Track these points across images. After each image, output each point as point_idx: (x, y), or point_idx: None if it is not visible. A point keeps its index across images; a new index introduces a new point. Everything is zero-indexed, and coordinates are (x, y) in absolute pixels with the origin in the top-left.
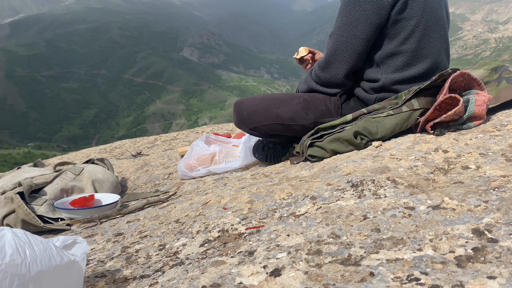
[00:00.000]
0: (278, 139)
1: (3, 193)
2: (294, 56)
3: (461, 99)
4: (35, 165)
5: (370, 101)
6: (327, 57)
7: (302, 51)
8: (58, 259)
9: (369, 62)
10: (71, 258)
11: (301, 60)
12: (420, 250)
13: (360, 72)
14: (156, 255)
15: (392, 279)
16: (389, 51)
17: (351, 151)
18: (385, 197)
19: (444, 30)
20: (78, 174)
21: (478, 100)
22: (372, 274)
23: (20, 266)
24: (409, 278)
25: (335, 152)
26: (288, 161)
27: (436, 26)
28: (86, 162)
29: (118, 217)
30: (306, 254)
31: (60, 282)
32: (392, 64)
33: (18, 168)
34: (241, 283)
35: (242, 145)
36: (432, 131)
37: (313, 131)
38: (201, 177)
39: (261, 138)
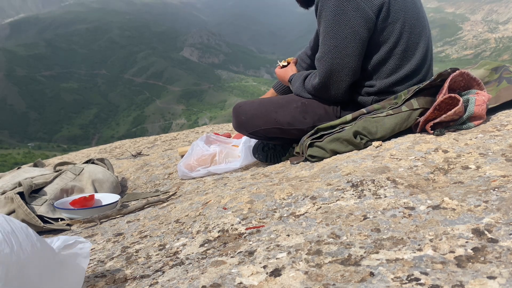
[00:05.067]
0: (278, 141)
1: (3, 193)
2: (281, 63)
3: (461, 99)
4: (35, 165)
5: (367, 103)
6: (323, 81)
7: (284, 63)
8: (38, 244)
9: (362, 71)
10: (52, 246)
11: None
12: (420, 250)
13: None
14: (156, 255)
15: (392, 279)
16: (381, 57)
17: (351, 151)
18: (385, 197)
19: (423, 20)
20: (78, 174)
21: (477, 100)
22: (372, 274)
23: (10, 255)
24: (409, 278)
25: (334, 152)
26: (288, 161)
27: (417, 21)
28: (86, 162)
29: (118, 217)
30: (306, 254)
31: (60, 281)
32: (384, 69)
33: (18, 168)
34: (241, 283)
35: (242, 145)
36: (432, 131)
37: (312, 131)
38: (201, 177)
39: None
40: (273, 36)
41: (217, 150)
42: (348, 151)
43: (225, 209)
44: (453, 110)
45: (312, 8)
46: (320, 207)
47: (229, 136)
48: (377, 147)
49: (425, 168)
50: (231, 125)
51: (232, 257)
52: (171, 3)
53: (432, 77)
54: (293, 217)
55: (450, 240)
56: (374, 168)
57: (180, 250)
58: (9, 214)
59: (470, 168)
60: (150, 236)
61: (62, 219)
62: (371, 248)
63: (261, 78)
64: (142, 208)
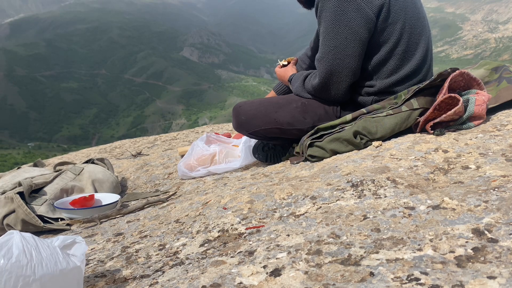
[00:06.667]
0: (278, 141)
1: (3, 193)
2: (281, 62)
3: (461, 99)
4: (35, 165)
5: (367, 103)
6: (323, 81)
7: (284, 62)
8: (64, 263)
9: (362, 71)
10: (77, 264)
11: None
12: (420, 250)
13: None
14: (156, 255)
15: (392, 279)
16: (381, 58)
17: (350, 151)
18: (385, 197)
19: (423, 20)
20: (78, 174)
21: (477, 99)
22: (372, 274)
23: (25, 267)
24: (409, 278)
25: (334, 152)
26: (288, 161)
27: (417, 21)
28: (86, 162)
29: (118, 217)
30: (306, 254)
31: (63, 284)
32: (385, 69)
33: (18, 168)
34: (241, 283)
35: (242, 145)
36: (432, 131)
37: (312, 131)
38: (201, 177)
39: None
40: (273, 36)
41: (217, 150)
42: (348, 151)
43: (225, 209)
44: (453, 110)
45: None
46: (320, 207)
47: (229, 136)
48: (377, 147)
49: (425, 168)
50: (231, 125)
51: (232, 257)
52: (171, 3)
53: (432, 77)
54: (293, 217)
55: (450, 240)
56: (374, 168)
57: (180, 250)
58: (9, 214)
59: (470, 168)
60: (150, 236)
61: (62, 219)
62: (371, 248)
63: (261, 78)
64: (142, 208)
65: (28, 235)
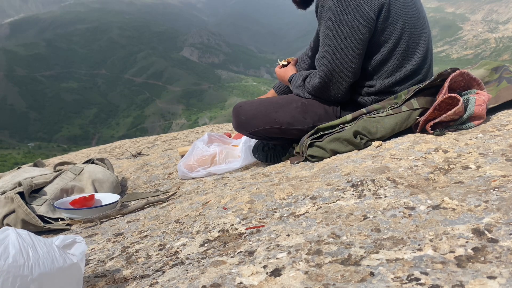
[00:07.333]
0: (278, 141)
1: (3, 193)
2: (281, 62)
3: (461, 99)
4: (35, 165)
5: (367, 103)
6: (323, 81)
7: (284, 62)
8: (60, 261)
9: (363, 71)
10: (74, 261)
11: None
12: (420, 250)
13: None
14: (156, 255)
15: (392, 279)
16: (381, 58)
17: (350, 151)
18: (385, 197)
19: (423, 20)
20: (78, 174)
21: (477, 99)
22: (372, 274)
23: (22, 267)
24: (409, 278)
25: (334, 152)
26: (288, 161)
27: (417, 21)
28: (86, 162)
29: (118, 217)
30: (306, 254)
31: (61, 283)
32: (385, 69)
33: (18, 168)
34: (241, 283)
35: (242, 145)
36: (432, 131)
37: (313, 131)
38: (201, 177)
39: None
40: (273, 36)
41: (217, 150)
42: (348, 151)
43: (225, 209)
44: (453, 110)
45: (311, 8)
46: (320, 207)
47: (229, 136)
48: (377, 147)
49: (425, 168)
50: (231, 125)
51: (232, 257)
52: (171, 3)
53: (432, 77)
54: (293, 217)
55: (450, 240)
56: (374, 168)
57: (180, 250)
58: (9, 214)
59: (470, 168)
60: (150, 236)
61: (62, 219)
62: (371, 248)
63: (261, 78)
64: (142, 208)
65: (24, 232)
